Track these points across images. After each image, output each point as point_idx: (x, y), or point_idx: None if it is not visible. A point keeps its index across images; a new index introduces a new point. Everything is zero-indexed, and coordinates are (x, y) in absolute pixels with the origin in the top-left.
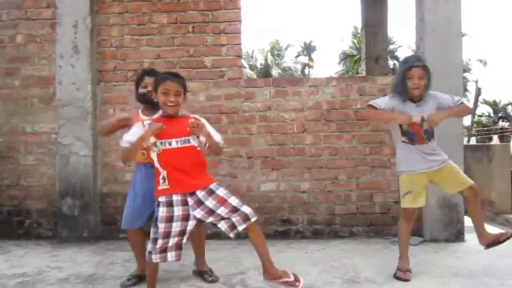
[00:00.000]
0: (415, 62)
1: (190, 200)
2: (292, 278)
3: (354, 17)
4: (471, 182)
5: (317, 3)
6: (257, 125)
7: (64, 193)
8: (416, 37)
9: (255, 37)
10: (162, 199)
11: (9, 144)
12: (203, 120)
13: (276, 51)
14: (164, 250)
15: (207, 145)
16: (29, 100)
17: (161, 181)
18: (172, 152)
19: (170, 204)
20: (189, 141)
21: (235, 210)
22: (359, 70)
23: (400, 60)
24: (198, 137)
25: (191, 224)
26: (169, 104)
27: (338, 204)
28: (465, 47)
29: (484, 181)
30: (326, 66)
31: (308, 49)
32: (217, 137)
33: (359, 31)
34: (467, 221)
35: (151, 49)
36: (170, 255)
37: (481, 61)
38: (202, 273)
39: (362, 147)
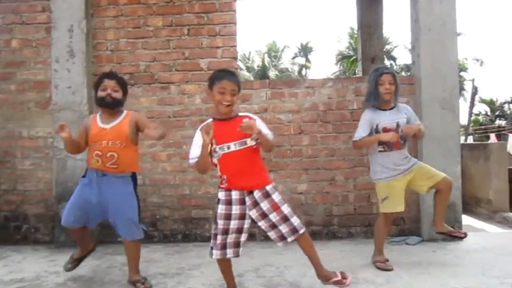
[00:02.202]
0: (384, 70)
1: (248, 200)
2: (339, 277)
3: (350, 17)
4: (443, 175)
5: (314, 4)
6: None
7: (61, 198)
8: (412, 37)
9: (252, 38)
10: (221, 196)
11: (5, 149)
12: (255, 117)
13: (273, 52)
14: (224, 246)
15: (258, 140)
16: (25, 105)
17: (219, 176)
18: (231, 155)
19: (229, 203)
20: (246, 142)
21: (285, 219)
22: (356, 71)
23: (375, 69)
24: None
25: (247, 223)
26: (225, 103)
27: (335, 205)
28: (461, 46)
29: (481, 179)
30: (323, 67)
31: (305, 50)
32: (269, 134)
33: (356, 31)
34: (466, 220)
35: (146, 52)
36: (229, 252)
37: (477, 60)
38: (135, 282)
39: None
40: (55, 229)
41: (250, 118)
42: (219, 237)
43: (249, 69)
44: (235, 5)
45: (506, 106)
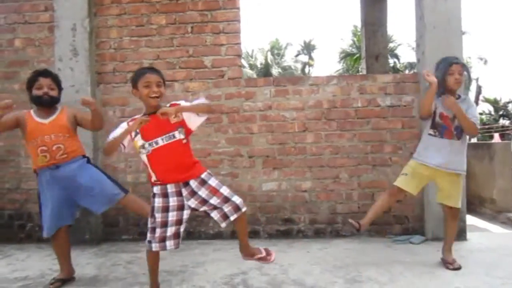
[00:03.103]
0: (454, 59)
1: (184, 191)
2: (264, 254)
3: (354, 15)
4: (458, 205)
5: (317, 2)
6: (258, 125)
7: None
8: (416, 35)
9: (255, 36)
10: (156, 190)
11: (9, 148)
12: (181, 102)
13: (276, 50)
14: (163, 239)
15: (197, 115)
16: (29, 104)
17: (152, 175)
18: (160, 150)
19: (165, 195)
20: (174, 136)
21: (226, 200)
22: (359, 69)
23: (444, 58)
24: (182, 125)
25: (186, 213)
26: (153, 95)
27: (339, 203)
28: (465, 45)
29: (485, 179)
30: (326, 64)
31: (308, 48)
32: (199, 101)
33: (359, 29)
34: (469, 220)
35: (150, 50)
36: (169, 244)
37: (481, 59)
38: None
39: (363, 145)
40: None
41: (174, 105)
42: (158, 230)
43: (252, 66)
44: (239, 2)
45: (510, 105)
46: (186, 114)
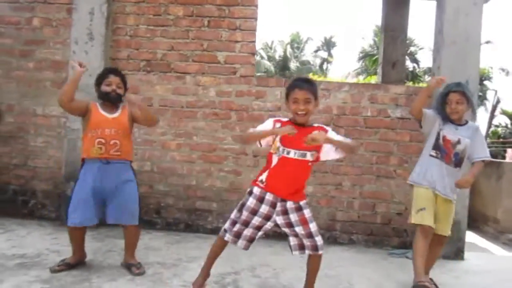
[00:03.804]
0: (453, 87)
1: (279, 206)
2: None
3: (377, 15)
4: (449, 232)
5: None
6: None
7: (70, 177)
8: (434, 48)
9: (276, 27)
10: (256, 191)
11: (19, 125)
12: (328, 128)
13: (296, 43)
14: (238, 235)
15: (337, 149)
16: (42, 83)
17: (263, 175)
18: (287, 161)
19: (261, 200)
20: (305, 155)
21: (310, 235)
22: (377, 71)
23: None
24: (318, 149)
25: (269, 225)
26: (299, 112)
27: (339, 210)
28: (487, 54)
29: (491, 197)
30: (345, 62)
31: (328, 44)
32: (347, 140)
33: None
34: (470, 237)
35: (165, 40)
36: (241, 243)
37: (503, 70)
38: (130, 266)
39: (369, 155)
40: (61, 207)
41: (322, 129)
42: (238, 226)
43: (270, 58)
44: (257, 0)
45: None
46: (327, 145)
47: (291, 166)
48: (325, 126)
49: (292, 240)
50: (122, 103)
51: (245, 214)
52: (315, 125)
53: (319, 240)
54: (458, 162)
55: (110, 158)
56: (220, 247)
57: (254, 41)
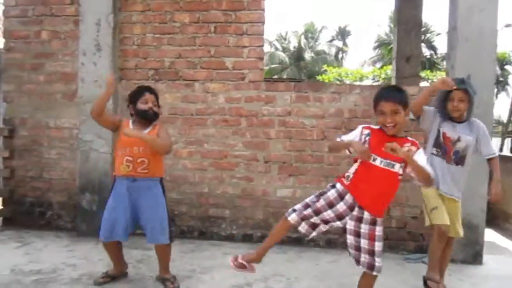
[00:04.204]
0: (456, 84)
1: (356, 211)
2: None
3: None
4: (460, 234)
5: None
6: (276, 130)
7: (84, 188)
8: (448, 46)
9: (290, 17)
10: (339, 187)
11: (33, 138)
12: (420, 150)
13: (310, 33)
14: (305, 218)
15: (411, 173)
16: (53, 96)
17: (345, 177)
18: (372, 168)
19: (341, 197)
20: (393, 166)
21: (371, 253)
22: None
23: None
24: (404, 163)
25: (337, 224)
26: (388, 125)
27: None
28: (508, 38)
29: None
30: (361, 50)
31: (342, 34)
32: (424, 166)
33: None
34: (490, 236)
35: (172, 48)
36: (303, 226)
37: None
38: (164, 280)
39: None
40: (77, 218)
41: (414, 144)
42: (309, 210)
43: (285, 49)
44: (264, 4)
45: None
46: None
47: (376, 175)
48: (417, 142)
49: (351, 251)
50: (156, 121)
51: (321, 202)
52: (410, 138)
53: (378, 261)
54: (458, 160)
55: (137, 176)
56: (283, 228)
57: (261, 46)
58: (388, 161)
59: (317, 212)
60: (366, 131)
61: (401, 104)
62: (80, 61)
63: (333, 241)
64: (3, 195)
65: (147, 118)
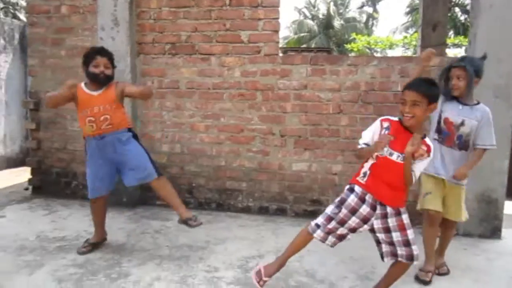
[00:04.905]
0: (455, 62)
1: (379, 209)
2: None
3: None
4: (462, 218)
5: None
6: (291, 104)
7: None
8: (470, 14)
9: None
10: (358, 189)
11: (57, 111)
12: (431, 155)
13: (340, 0)
14: (330, 232)
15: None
16: (74, 70)
17: (361, 174)
18: (389, 162)
19: (362, 200)
20: None
21: (406, 243)
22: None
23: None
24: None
25: (364, 228)
26: (406, 115)
27: None
28: None
29: None
30: (392, 17)
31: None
32: (414, 170)
33: None
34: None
35: (188, 22)
36: (330, 240)
37: None
38: (186, 220)
39: None
40: None
41: (429, 151)
42: (333, 223)
43: (314, 17)
44: None
45: None
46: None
47: (393, 169)
48: (431, 149)
49: (385, 247)
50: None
51: (344, 212)
52: (428, 141)
53: (415, 249)
54: (462, 145)
55: (103, 133)
56: (305, 242)
57: (277, 18)
58: (403, 155)
59: (342, 223)
60: (386, 124)
61: (425, 97)
62: (99, 36)
63: None
64: (31, 165)
65: (98, 82)
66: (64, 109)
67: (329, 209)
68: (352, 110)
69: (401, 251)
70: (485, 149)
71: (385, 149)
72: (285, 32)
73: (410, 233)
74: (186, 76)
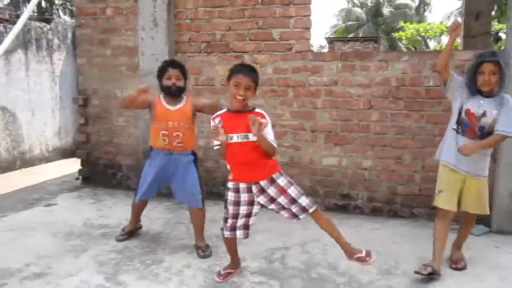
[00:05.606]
0: (488, 57)
1: (254, 188)
2: (363, 254)
3: None
4: (487, 211)
5: None
6: (322, 100)
7: (147, 154)
8: (508, 5)
9: None
10: (230, 185)
11: (103, 107)
12: (267, 120)
13: None
14: (233, 228)
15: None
16: (118, 68)
17: (228, 168)
18: (233, 146)
19: (237, 191)
20: (247, 137)
21: (293, 201)
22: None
23: (478, 54)
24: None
25: (256, 208)
26: (238, 97)
27: (400, 184)
28: None
29: None
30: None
31: None
32: (271, 139)
33: None
34: None
35: (222, 21)
36: (239, 233)
37: None
38: (198, 248)
39: (432, 127)
40: None
41: (262, 116)
42: (229, 221)
43: (362, 5)
44: None
45: None
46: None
47: (241, 149)
48: (265, 115)
49: (283, 213)
50: (184, 94)
51: (230, 208)
52: (258, 110)
53: (303, 200)
54: (483, 136)
55: (173, 149)
56: (229, 242)
57: (308, 15)
58: (242, 134)
59: (235, 216)
60: (217, 120)
61: (254, 82)
62: (139, 36)
63: (379, 209)
64: (81, 157)
65: (171, 94)
66: (110, 105)
67: (224, 213)
68: (382, 105)
69: (294, 209)
70: (505, 136)
71: (226, 137)
72: (333, 20)
73: (292, 191)
74: (220, 74)
